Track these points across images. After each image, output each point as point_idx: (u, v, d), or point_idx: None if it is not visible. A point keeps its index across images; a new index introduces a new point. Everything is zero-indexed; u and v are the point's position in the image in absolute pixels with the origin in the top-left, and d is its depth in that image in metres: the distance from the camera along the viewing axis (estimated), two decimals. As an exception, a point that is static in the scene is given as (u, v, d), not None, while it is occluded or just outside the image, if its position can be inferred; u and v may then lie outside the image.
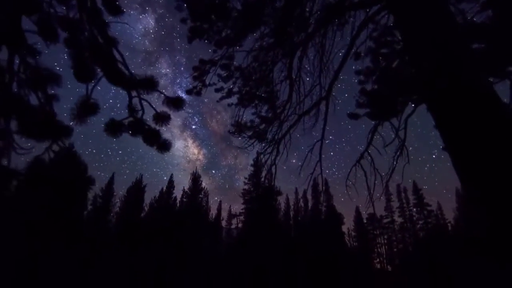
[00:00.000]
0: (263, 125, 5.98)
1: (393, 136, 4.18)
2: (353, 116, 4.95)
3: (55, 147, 2.08)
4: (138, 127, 2.18)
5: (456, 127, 2.04)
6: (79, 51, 1.86)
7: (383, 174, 3.97)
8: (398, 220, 40.77)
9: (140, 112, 2.26)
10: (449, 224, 37.14)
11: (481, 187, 1.80)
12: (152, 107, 2.20)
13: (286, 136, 5.01)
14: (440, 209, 38.91)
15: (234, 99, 7.74)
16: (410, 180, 43.25)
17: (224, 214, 44.45)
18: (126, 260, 25.27)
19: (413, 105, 5.15)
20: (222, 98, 7.50)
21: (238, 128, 6.15)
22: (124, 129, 2.15)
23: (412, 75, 5.27)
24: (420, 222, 38.22)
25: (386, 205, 43.52)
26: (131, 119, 2.16)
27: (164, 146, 2.23)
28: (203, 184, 37.03)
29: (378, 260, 42.79)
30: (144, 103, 2.12)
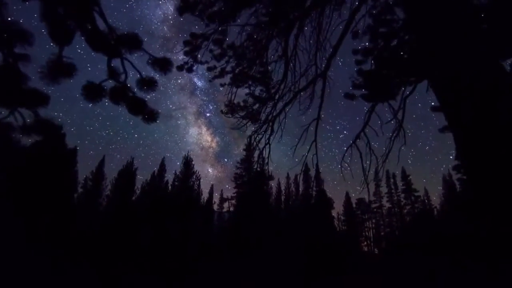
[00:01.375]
0: (257, 105, 5.79)
1: (389, 117, 4.08)
2: (350, 97, 4.81)
3: (31, 117, 1.88)
4: (120, 93, 1.96)
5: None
6: (53, 5, 1.62)
7: (379, 156, 3.89)
8: (386, 205, 41.89)
9: (123, 76, 2.03)
10: (435, 209, 38.28)
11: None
12: (136, 69, 1.97)
13: (281, 114, 4.86)
14: (427, 195, 40.03)
15: (227, 79, 7.51)
16: (400, 168, 44.04)
17: (216, 198, 44.76)
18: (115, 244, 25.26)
19: (410, 86, 5.03)
20: (214, 78, 7.24)
21: (231, 108, 5.95)
22: (105, 94, 1.92)
23: (411, 57, 5.12)
24: (408, 207, 39.33)
25: (375, 190, 44.56)
26: (112, 83, 1.92)
27: (152, 116, 2.03)
28: (195, 168, 36.86)
29: (365, 243, 44.21)
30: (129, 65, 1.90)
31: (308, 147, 4.03)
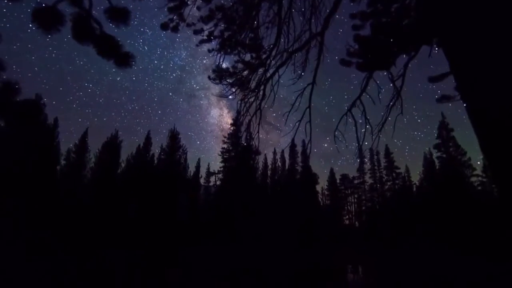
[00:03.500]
0: (246, 72, 5.47)
1: (387, 86, 3.93)
2: (346, 63, 4.58)
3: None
4: (85, 27, 1.63)
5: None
6: None
7: (375, 125, 3.77)
8: (369, 181, 43.29)
9: (87, 3, 1.67)
10: (414, 186, 39.89)
11: None
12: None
13: (274, 76, 4.60)
14: (408, 172, 41.47)
15: (215, 44, 7.07)
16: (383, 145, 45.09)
17: (203, 172, 44.82)
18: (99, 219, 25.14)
19: (405, 56, 4.83)
20: (201, 42, 6.79)
21: (219, 73, 5.61)
22: (64, 22, 1.58)
23: (411, 23, 4.87)
24: (389, 183, 40.83)
25: (358, 166, 45.85)
26: (73, 8, 1.57)
27: (126, 59, 1.73)
28: (182, 142, 36.41)
29: (347, 217, 46.11)
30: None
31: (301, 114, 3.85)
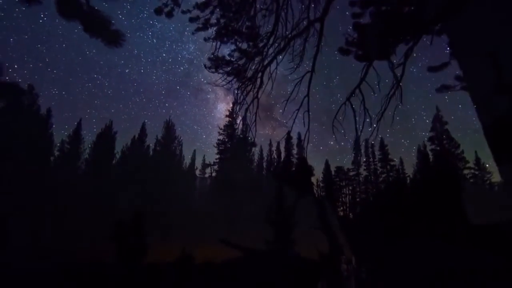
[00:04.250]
0: (243, 60, 5.36)
1: (387, 75, 3.86)
2: (345, 52, 4.49)
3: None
4: (70, 1, 1.51)
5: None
6: None
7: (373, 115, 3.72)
8: (364, 173, 43.70)
9: None
10: (408, 178, 40.35)
11: None
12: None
13: (272, 63, 4.50)
14: (402, 164, 41.90)
15: (211, 33, 6.90)
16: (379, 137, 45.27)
17: (198, 164, 44.71)
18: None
19: (407, 46, 4.75)
20: (197, 30, 6.62)
21: (215, 62, 5.48)
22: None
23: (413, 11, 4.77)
24: (383, 175, 41.28)
25: (353, 159, 46.22)
26: None
27: (115, 37, 1.62)
28: (177, 133, 36.19)
29: (341, 208, 46.63)
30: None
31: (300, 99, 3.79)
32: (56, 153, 31.62)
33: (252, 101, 4.37)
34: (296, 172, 39.77)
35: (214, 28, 6.68)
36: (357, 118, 4.32)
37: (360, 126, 3.78)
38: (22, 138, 23.15)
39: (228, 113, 34.82)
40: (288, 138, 40.99)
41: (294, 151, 41.91)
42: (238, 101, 4.62)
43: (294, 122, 3.96)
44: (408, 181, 40.13)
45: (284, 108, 4.21)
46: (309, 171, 40.52)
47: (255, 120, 4.35)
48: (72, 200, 24.39)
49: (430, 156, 34.92)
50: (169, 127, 35.73)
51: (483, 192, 28.91)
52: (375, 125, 3.63)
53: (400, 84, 3.70)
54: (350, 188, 46.50)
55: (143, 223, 16.16)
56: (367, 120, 4.09)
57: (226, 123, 35.76)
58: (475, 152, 34.48)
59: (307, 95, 4.00)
